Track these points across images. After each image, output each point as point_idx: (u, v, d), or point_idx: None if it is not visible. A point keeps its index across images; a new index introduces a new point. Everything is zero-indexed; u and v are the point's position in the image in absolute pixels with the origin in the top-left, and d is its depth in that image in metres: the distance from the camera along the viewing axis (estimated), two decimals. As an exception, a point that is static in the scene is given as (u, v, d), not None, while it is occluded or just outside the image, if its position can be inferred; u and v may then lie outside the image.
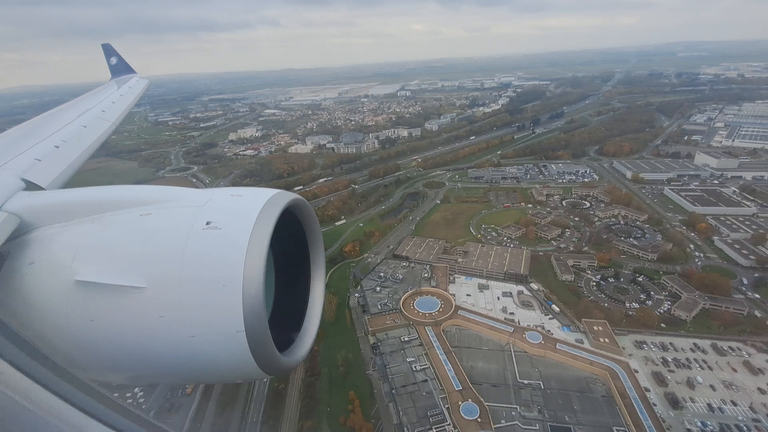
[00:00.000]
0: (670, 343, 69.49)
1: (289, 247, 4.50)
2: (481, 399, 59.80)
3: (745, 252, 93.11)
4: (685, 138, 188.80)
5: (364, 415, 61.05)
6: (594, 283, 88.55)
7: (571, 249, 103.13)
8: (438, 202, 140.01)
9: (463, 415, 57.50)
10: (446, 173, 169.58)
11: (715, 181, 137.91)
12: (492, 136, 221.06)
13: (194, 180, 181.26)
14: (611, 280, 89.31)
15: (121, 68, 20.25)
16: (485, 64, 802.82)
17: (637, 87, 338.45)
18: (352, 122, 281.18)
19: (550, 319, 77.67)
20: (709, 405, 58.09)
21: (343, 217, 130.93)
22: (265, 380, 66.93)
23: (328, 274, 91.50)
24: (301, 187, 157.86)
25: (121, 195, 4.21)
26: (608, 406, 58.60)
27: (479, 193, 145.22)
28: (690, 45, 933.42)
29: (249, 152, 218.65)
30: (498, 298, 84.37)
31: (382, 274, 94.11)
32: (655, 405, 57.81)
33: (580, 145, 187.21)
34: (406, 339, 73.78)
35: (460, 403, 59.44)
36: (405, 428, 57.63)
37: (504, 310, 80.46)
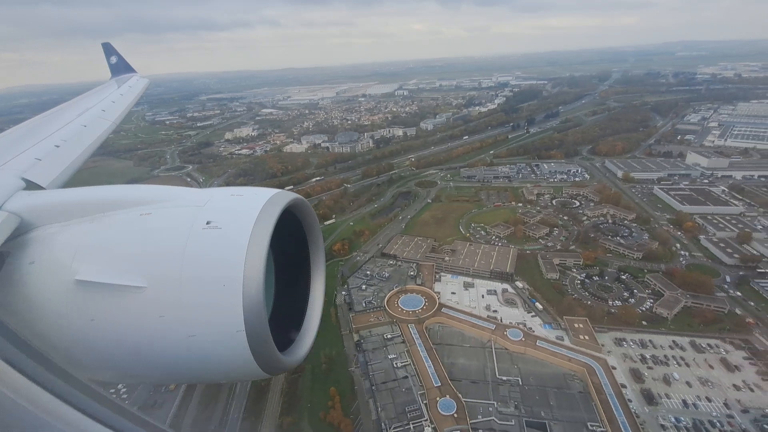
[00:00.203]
0: (650, 341, 70.15)
1: (289, 246, 4.50)
2: (459, 395, 60.47)
3: (729, 251, 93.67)
4: (678, 138, 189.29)
5: (343, 411, 61.73)
6: (579, 282, 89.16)
7: (558, 248, 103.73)
8: (429, 201, 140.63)
9: (440, 410, 58.19)
10: (439, 172, 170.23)
11: (705, 181, 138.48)
12: (486, 135, 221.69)
13: (188, 179, 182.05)
14: (596, 278, 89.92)
15: (121, 67, 20.30)
16: (484, 63, 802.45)
17: (633, 86, 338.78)
18: (349, 121, 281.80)
19: (532, 316, 78.30)
20: (683, 401, 58.77)
21: (333, 216, 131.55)
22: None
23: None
24: (292, 186, 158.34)
25: (121, 195, 4.22)
26: (584, 402, 59.25)
27: (470, 192, 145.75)
28: (689, 45, 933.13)
29: (244, 151, 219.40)
30: (482, 296, 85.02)
31: (368, 272, 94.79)
32: (631, 401, 58.47)
33: (573, 144, 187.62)
34: (389, 336, 74.47)
35: (438, 399, 60.12)
36: (383, 423, 58.36)
37: (488, 307, 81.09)
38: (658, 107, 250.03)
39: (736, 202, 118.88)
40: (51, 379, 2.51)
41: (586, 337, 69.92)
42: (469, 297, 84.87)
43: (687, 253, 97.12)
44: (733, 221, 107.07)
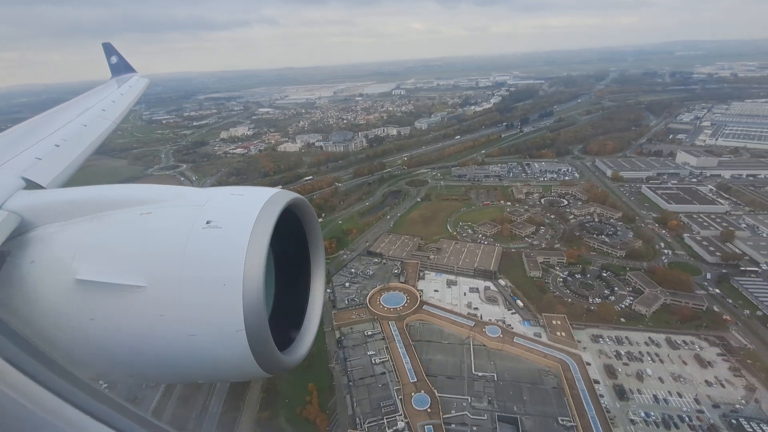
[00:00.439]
0: (626, 337, 70.88)
1: (289, 246, 4.49)
2: (434, 390, 61.21)
3: (712, 249, 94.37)
4: (670, 137, 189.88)
5: (320, 407, 62.64)
6: (561, 279, 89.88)
7: (543, 246, 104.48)
8: (419, 200, 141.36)
9: (414, 405, 58.97)
10: (430, 171, 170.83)
11: (694, 180, 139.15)
12: (480, 134, 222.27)
13: (182, 178, 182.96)
14: (578, 276, 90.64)
15: (121, 67, 20.27)
16: (483, 63, 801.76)
17: (630, 86, 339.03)
18: (344, 121, 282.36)
19: (512, 313, 79.06)
20: (654, 396, 59.54)
21: (323, 214, 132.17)
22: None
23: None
24: (280, 186, 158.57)
25: (122, 194, 4.23)
26: (557, 398, 60.01)
27: (460, 191, 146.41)
28: (689, 44, 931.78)
29: (238, 150, 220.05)
30: (464, 294, 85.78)
31: (353, 270, 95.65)
32: (602, 396, 59.25)
33: (565, 143, 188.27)
34: (370, 333, 75.24)
35: (413, 394, 60.92)
36: (357, 418, 59.19)
37: (469, 305, 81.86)
38: (652, 107, 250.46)
39: (722, 201, 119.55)
40: (52, 378, 2.52)
41: (563, 334, 70.66)
42: (452, 294, 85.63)
43: (670, 252, 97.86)
44: (718, 220, 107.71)
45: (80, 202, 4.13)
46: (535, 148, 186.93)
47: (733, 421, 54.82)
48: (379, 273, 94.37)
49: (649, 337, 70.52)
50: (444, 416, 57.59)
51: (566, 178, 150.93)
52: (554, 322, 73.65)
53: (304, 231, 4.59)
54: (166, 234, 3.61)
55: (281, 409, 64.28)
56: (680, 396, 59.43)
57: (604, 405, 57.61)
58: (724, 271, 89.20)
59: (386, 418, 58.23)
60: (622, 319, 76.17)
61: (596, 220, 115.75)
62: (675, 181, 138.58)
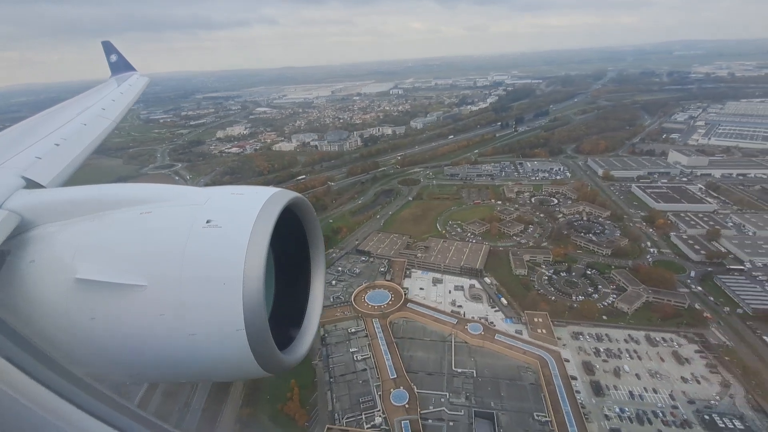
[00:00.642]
0: (606, 335, 71.49)
1: (289, 245, 4.48)
2: (413, 386, 61.88)
3: (697, 247, 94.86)
4: (664, 136, 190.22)
5: (301, 403, 63.23)
6: (546, 277, 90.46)
7: (531, 244, 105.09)
8: (410, 199, 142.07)
9: (392, 401, 59.68)
10: (423, 171, 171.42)
11: (684, 179, 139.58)
12: (474, 134, 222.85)
13: (176, 177, 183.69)
14: (563, 274, 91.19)
15: (120, 66, 20.27)
16: (483, 62, 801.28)
17: (627, 85, 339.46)
18: (341, 120, 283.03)
19: (495, 311, 79.67)
20: (630, 392, 60.16)
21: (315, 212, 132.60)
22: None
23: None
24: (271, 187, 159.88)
25: (122, 193, 4.25)
26: (534, 393, 60.68)
27: (452, 190, 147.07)
28: (688, 44, 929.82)
29: (234, 150, 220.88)
30: (449, 292, 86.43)
31: (340, 268, 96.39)
32: (579, 392, 59.84)
33: (559, 143, 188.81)
34: (353, 330, 75.95)
35: (392, 390, 61.60)
36: (336, 414, 59.93)
37: (453, 303, 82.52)
38: (648, 106, 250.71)
39: (710, 200, 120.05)
40: (52, 378, 2.51)
41: (544, 331, 71.29)
42: (437, 292, 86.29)
43: (656, 250, 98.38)
44: (705, 218, 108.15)
45: (80, 202, 4.16)
46: (528, 147, 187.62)
47: (706, 417, 55.42)
48: (366, 271, 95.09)
49: (629, 335, 71.10)
50: (422, 412, 58.29)
51: (558, 177, 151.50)
52: (536, 319, 74.28)
53: (304, 230, 4.59)
54: (166, 233, 3.62)
55: (263, 405, 64.96)
56: (656, 392, 60.03)
57: (579, 401, 58.24)
58: (709, 269, 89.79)
59: (365, 414, 58.99)
60: (604, 317, 76.72)
61: (585, 218, 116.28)
62: (665, 180, 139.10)
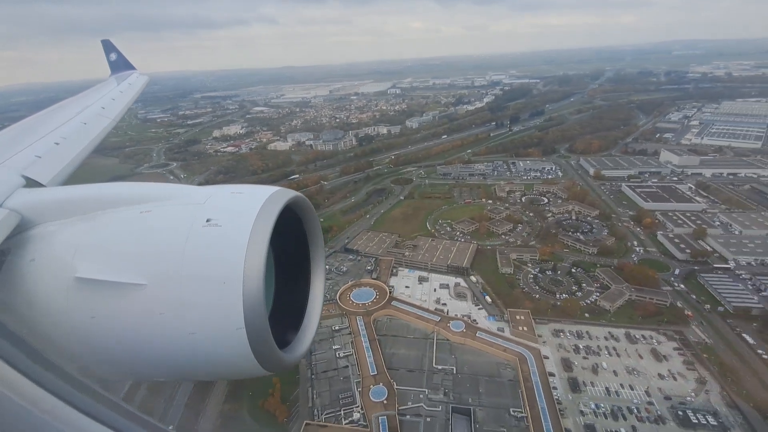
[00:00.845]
0: (587, 332, 72.12)
1: (289, 244, 4.46)
2: (393, 383, 62.58)
3: (683, 246, 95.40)
4: (657, 136, 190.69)
5: (282, 399, 63.98)
6: (531, 276, 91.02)
7: (519, 243, 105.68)
8: (402, 198, 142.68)
9: (371, 397, 60.36)
10: (416, 170, 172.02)
11: (674, 178, 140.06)
12: (469, 133, 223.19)
13: (171, 177, 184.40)
14: (549, 272, 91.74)
15: (120, 65, 20.18)
16: (482, 62, 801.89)
17: (624, 85, 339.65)
18: (337, 120, 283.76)
19: (479, 309, 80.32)
20: (607, 389, 60.80)
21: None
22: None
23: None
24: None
25: (122, 192, 4.25)
26: (512, 390, 61.33)
27: (444, 189, 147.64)
28: (687, 43, 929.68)
29: (229, 149, 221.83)
30: (435, 290, 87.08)
31: (327, 266, 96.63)
32: (555, 388, 60.51)
33: (552, 142, 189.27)
34: (337, 328, 76.59)
35: (371, 386, 62.29)
36: (316, 410, 60.64)
37: (438, 301, 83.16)
38: (643, 106, 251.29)
39: (699, 199, 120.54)
40: (51, 379, 2.49)
41: (525, 329, 71.96)
42: (422, 291, 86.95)
43: (641, 249, 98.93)
44: (693, 217, 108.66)
45: (80, 200, 4.15)
46: (522, 146, 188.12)
47: (680, 413, 56.02)
48: (353, 269, 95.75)
49: (609, 332, 71.71)
50: (400, 407, 58.98)
51: (549, 176, 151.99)
52: (518, 317, 74.95)
53: (304, 229, 4.58)
54: (166, 232, 3.62)
55: (245, 401, 65.65)
56: (632, 388, 60.65)
57: (556, 397, 58.91)
58: (695, 267, 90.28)
59: (343, 410, 59.71)
60: (587, 315, 77.28)
61: (573, 217, 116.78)
62: (656, 180, 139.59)
